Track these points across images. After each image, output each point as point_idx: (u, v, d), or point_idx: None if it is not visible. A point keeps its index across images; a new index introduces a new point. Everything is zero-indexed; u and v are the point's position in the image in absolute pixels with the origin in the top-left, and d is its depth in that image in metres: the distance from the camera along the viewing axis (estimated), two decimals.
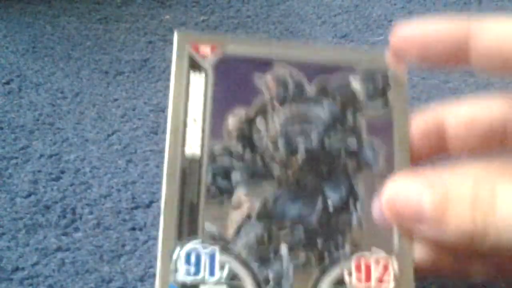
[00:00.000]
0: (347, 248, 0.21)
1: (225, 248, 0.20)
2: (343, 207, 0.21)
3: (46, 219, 0.28)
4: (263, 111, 0.21)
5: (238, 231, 0.20)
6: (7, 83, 0.38)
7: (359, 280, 0.20)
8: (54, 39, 0.43)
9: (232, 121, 0.21)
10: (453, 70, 0.21)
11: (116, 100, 0.37)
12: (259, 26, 0.43)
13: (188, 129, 0.21)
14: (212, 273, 0.20)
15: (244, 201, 0.21)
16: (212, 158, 0.21)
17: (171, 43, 0.22)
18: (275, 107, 0.21)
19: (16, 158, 0.32)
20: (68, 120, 0.35)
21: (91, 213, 0.28)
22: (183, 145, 0.21)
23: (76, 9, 0.48)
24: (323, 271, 0.20)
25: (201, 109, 0.21)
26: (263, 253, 0.20)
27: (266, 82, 0.22)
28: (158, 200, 0.29)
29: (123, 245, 0.26)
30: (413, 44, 0.21)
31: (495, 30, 0.20)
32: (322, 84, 0.22)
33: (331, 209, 0.21)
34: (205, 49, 0.22)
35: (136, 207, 0.29)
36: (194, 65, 0.21)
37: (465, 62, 0.21)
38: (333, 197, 0.21)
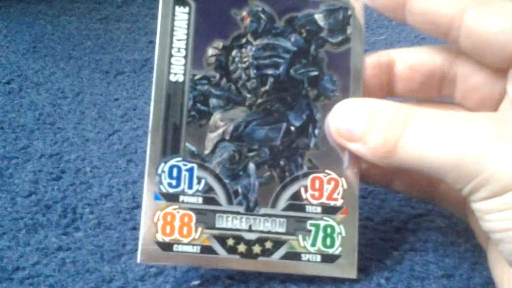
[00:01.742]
0: (305, 168, 0.23)
1: (202, 165, 0.23)
2: (303, 132, 0.23)
3: (47, 219, 0.28)
4: (238, 43, 0.24)
5: (213, 150, 0.23)
6: (8, 82, 0.38)
7: (313, 196, 0.23)
8: (54, 39, 0.44)
9: (211, 52, 0.23)
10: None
11: (116, 99, 0.37)
12: None
13: (173, 58, 0.23)
14: (190, 186, 0.23)
15: (220, 124, 0.23)
16: (193, 85, 0.23)
17: None
18: (248, 40, 0.24)
19: (17, 157, 0.32)
20: (69, 119, 0.35)
21: (91, 212, 0.28)
22: (169, 72, 0.23)
23: (76, 9, 0.48)
24: (284, 187, 0.23)
25: (185, 40, 0.23)
26: (234, 170, 0.23)
27: (241, 17, 0.24)
28: None
29: (124, 245, 0.26)
30: None
31: None
32: (290, 19, 0.24)
33: (293, 133, 0.23)
34: None
35: (137, 207, 0.29)
36: (179, 0, 0.23)
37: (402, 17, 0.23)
38: (295, 123, 0.23)
